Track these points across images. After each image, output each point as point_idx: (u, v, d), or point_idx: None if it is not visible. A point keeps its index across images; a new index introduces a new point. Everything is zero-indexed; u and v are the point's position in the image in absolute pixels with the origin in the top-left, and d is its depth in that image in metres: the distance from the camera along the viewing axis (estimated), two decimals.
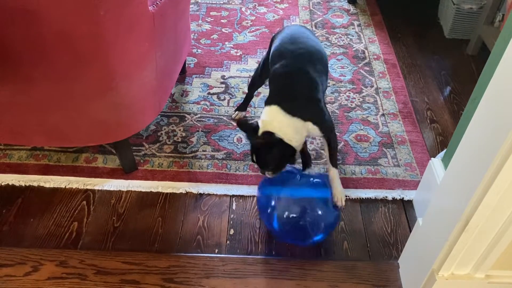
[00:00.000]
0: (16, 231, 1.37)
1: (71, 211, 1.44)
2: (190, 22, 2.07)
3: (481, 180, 0.86)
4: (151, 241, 1.37)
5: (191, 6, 2.37)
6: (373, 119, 1.80)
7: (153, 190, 1.50)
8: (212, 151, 1.65)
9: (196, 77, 1.96)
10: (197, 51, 2.10)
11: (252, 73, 1.98)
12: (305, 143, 1.49)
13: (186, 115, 1.78)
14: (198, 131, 1.72)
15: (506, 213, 0.91)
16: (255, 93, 1.78)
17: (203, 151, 1.64)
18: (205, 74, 1.98)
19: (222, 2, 2.46)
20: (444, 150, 1.39)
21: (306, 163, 1.54)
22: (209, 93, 1.89)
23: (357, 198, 1.51)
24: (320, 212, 1.32)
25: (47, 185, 1.50)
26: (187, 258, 1.33)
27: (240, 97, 1.86)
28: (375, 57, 2.13)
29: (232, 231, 1.41)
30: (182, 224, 1.42)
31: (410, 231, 1.42)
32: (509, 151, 0.81)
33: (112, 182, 1.52)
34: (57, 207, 1.45)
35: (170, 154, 1.62)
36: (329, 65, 1.54)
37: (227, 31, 2.24)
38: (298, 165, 1.54)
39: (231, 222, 1.43)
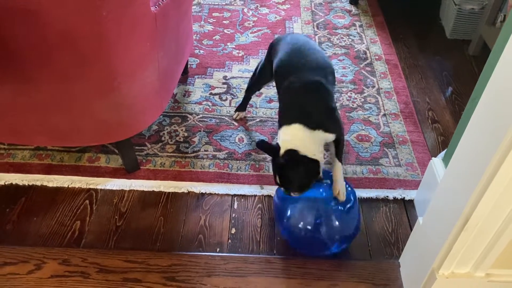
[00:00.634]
0: (19, 230, 1.39)
1: (74, 210, 1.45)
2: (193, 23, 2.08)
3: (480, 178, 0.87)
4: (153, 240, 1.38)
5: (193, 7, 2.38)
6: (375, 119, 1.81)
7: (155, 190, 1.51)
8: (213, 151, 1.65)
9: (198, 77, 1.97)
10: (199, 51, 2.12)
11: None
12: None
13: (188, 115, 1.79)
14: (200, 131, 1.73)
15: (505, 211, 0.92)
16: (257, 93, 1.79)
17: (205, 151, 1.65)
18: (207, 75, 1.99)
19: (224, 3, 2.47)
20: (445, 150, 1.39)
21: None
22: (211, 94, 1.90)
23: (358, 198, 1.52)
24: (337, 223, 1.27)
25: (50, 185, 1.51)
26: (188, 257, 1.33)
27: (242, 97, 1.87)
28: (377, 57, 2.13)
29: (233, 230, 1.41)
30: (184, 223, 1.43)
31: (411, 231, 1.41)
32: (508, 149, 0.81)
33: (115, 181, 1.53)
34: (60, 206, 1.46)
35: (172, 154, 1.63)
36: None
37: (229, 32, 2.26)
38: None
39: (233, 221, 1.44)
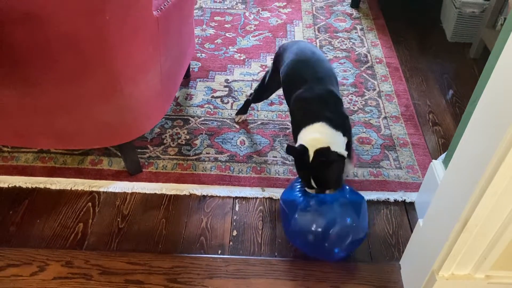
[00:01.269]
0: (23, 232, 1.40)
1: (77, 213, 1.46)
2: (194, 27, 2.10)
3: (479, 180, 0.88)
4: (155, 242, 1.39)
5: (195, 11, 2.40)
6: (376, 122, 1.82)
7: (157, 192, 1.53)
8: (215, 153, 1.66)
9: (200, 80, 1.99)
10: (201, 55, 2.13)
11: (255, 77, 2.01)
12: None
13: (190, 118, 1.81)
14: (201, 133, 1.74)
15: (504, 212, 0.92)
16: None
17: (207, 153, 1.66)
18: (209, 78, 2.00)
19: (226, 7, 2.49)
20: (446, 152, 1.40)
21: None
22: (212, 97, 1.91)
23: None
24: (346, 228, 1.25)
25: (53, 187, 1.53)
26: (190, 259, 1.34)
27: (243, 100, 1.88)
28: (378, 60, 2.14)
29: (235, 232, 1.42)
30: (185, 225, 1.44)
31: (412, 233, 1.42)
32: (506, 150, 0.82)
33: (117, 184, 1.54)
34: (63, 208, 1.47)
35: (174, 157, 1.65)
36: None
37: (230, 36, 2.27)
38: None
39: (234, 223, 1.45)
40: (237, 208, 1.49)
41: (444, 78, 2.08)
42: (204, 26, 2.33)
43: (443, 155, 1.42)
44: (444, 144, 1.75)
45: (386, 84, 2.01)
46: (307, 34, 2.30)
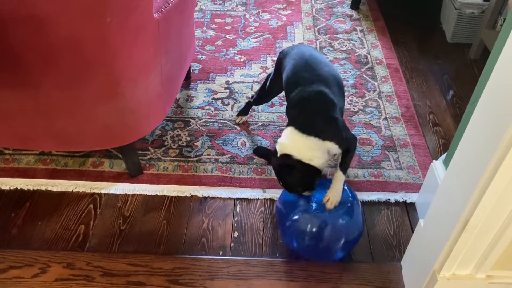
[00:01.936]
0: (24, 234, 1.40)
1: (78, 214, 1.46)
2: (195, 29, 2.10)
3: (479, 180, 0.88)
4: (156, 243, 1.39)
5: (195, 13, 2.40)
6: (376, 122, 1.82)
7: (158, 194, 1.53)
8: (216, 155, 1.67)
9: (200, 82, 1.99)
10: (201, 57, 2.14)
11: (255, 79, 2.02)
12: None
13: (190, 119, 1.81)
14: (202, 135, 1.74)
15: (504, 212, 0.93)
16: None
17: (208, 155, 1.67)
18: (209, 80, 2.01)
19: (226, 9, 2.50)
20: (446, 153, 1.40)
21: None
22: (213, 98, 1.91)
23: (360, 201, 1.52)
24: (340, 230, 1.27)
25: (54, 189, 1.53)
26: (191, 260, 1.35)
27: (244, 102, 1.89)
28: (378, 61, 2.15)
29: (236, 234, 1.42)
30: (187, 226, 1.44)
31: (413, 233, 1.42)
32: (506, 150, 0.82)
33: (118, 186, 1.55)
34: (65, 210, 1.47)
35: (175, 158, 1.65)
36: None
37: (231, 38, 2.28)
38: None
39: (235, 224, 1.45)
40: (238, 210, 1.50)
41: (444, 79, 2.09)
42: (204, 28, 2.34)
43: (444, 156, 1.42)
44: (445, 144, 1.75)
45: (386, 85, 2.01)
46: (307, 35, 2.31)
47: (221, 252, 1.37)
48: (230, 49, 2.20)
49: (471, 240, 0.99)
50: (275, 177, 1.35)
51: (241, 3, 2.55)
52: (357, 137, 1.75)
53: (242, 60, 2.13)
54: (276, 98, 1.87)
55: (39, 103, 1.32)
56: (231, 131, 1.76)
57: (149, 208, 1.49)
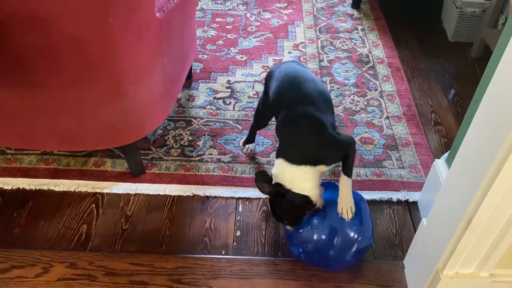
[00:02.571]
0: (27, 234, 1.40)
1: (81, 214, 1.46)
2: (196, 28, 2.10)
3: (483, 178, 0.88)
4: (159, 242, 1.39)
5: (196, 12, 2.40)
6: (378, 121, 1.82)
7: (160, 193, 1.53)
8: (218, 154, 1.67)
9: (202, 82, 1.99)
10: (203, 56, 2.14)
11: (257, 78, 2.02)
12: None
13: (192, 119, 1.81)
14: (204, 135, 1.74)
15: (508, 211, 0.93)
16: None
17: (210, 154, 1.67)
18: (211, 79, 2.01)
19: (227, 9, 2.50)
20: (448, 152, 1.40)
21: None
22: (215, 98, 1.91)
23: None
24: (349, 240, 1.23)
25: (56, 189, 1.53)
26: (194, 259, 1.35)
27: (245, 101, 1.89)
28: (379, 60, 2.15)
29: (238, 233, 1.43)
30: (189, 226, 1.44)
31: (415, 232, 1.42)
32: (510, 149, 0.82)
33: (120, 185, 1.55)
34: (67, 210, 1.47)
35: (177, 158, 1.65)
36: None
37: (232, 37, 2.28)
38: None
39: (238, 224, 1.45)
40: (240, 209, 1.50)
41: (446, 77, 2.09)
42: (205, 27, 2.34)
43: (446, 154, 1.42)
44: (447, 143, 1.75)
45: (388, 84, 2.01)
46: (308, 35, 2.31)
47: (223, 251, 1.37)
48: (231, 48, 2.20)
49: (475, 238, 0.99)
50: None
51: (242, 2, 2.55)
52: (358, 136, 1.75)
53: (243, 59, 2.13)
54: None
55: (41, 103, 1.33)
56: (232, 131, 1.76)
57: (151, 208, 1.49)
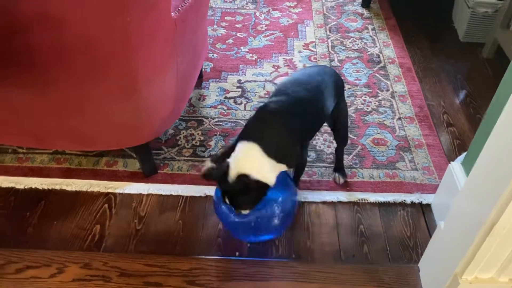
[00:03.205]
0: (40, 234, 1.40)
1: (93, 214, 1.46)
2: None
3: (508, 184, 0.87)
4: (172, 243, 1.38)
5: None
6: (390, 122, 1.81)
7: (173, 194, 1.52)
8: None
9: (212, 81, 1.98)
10: (213, 55, 2.13)
11: (268, 77, 2.01)
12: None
13: (203, 119, 1.80)
14: (216, 135, 1.74)
15: None
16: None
17: None
18: (221, 79, 2.00)
19: (236, 7, 2.48)
20: (464, 154, 1.39)
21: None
22: (225, 97, 1.90)
23: (376, 202, 1.52)
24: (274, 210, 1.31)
25: (69, 188, 1.53)
26: (208, 261, 1.34)
27: (256, 101, 1.88)
28: (390, 60, 2.14)
29: None
30: (202, 227, 1.43)
31: (430, 235, 1.42)
32: None
33: (133, 185, 1.54)
34: (80, 210, 1.47)
35: (189, 158, 1.64)
36: (334, 87, 1.40)
37: (242, 36, 2.26)
38: None
39: None
40: None
41: (457, 78, 2.07)
42: (215, 26, 2.33)
43: (461, 157, 1.41)
44: (460, 145, 1.74)
45: (399, 84, 2.00)
46: (318, 34, 2.29)
47: (237, 253, 1.37)
48: (241, 47, 2.18)
49: (496, 243, 0.98)
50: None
51: (251, 1, 2.53)
52: (371, 137, 1.74)
53: (253, 58, 2.12)
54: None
55: (54, 102, 1.32)
56: None
57: (164, 208, 1.48)
